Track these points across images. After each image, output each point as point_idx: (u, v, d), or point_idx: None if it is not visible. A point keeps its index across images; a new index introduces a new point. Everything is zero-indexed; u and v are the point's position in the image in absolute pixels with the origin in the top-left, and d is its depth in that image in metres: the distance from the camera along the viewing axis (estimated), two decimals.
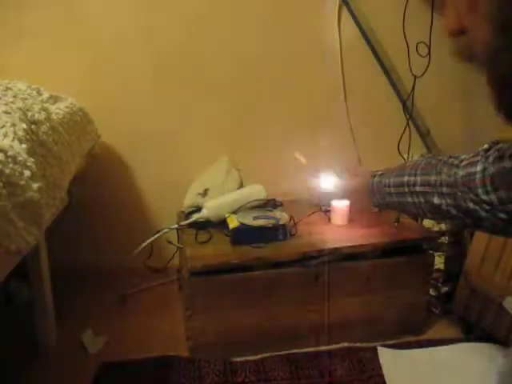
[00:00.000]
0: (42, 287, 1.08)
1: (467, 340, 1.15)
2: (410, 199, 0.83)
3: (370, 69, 1.44)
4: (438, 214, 0.79)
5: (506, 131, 1.15)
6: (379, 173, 0.93)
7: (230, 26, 1.36)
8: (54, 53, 1.32)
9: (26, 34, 1.29)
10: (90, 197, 1.38)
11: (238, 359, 1.07)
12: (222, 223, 1.18)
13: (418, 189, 0.80)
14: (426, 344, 1.13)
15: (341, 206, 1.20)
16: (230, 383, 1.00)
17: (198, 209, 1.26)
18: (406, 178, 0.83)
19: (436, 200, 0.77)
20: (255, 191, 1.26)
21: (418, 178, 0.81)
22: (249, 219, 1.13)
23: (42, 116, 0.88)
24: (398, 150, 1.43)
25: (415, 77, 1.35)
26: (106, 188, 1.45)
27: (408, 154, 1.44)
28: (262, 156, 1.48)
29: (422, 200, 0.80)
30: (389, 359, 1.06)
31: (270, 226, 1.11)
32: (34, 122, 0.83)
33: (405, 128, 1.41)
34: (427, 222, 1.28)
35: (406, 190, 0.83)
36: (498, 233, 0.75)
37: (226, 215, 1.18)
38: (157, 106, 1.39)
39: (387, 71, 1.43)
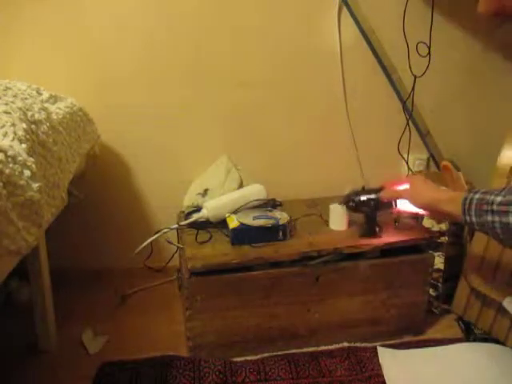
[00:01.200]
0: (42, 287, 1.08)
1: (467, 340, 1.15)
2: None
3: (369, 69, 1.44)
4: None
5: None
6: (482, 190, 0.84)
7: (229, 26, 1.36)
8: (53, 53, 1.32)
9: (26, 34, 1.30)
10: (90, 197, 1.38)
11: (238, 359, 1.07)
12: (222, 223, 1.18)
13: (495, 207, 0.77)
14: (425, 344, 1.13)
15: (340, 210, 1.18)
16: (230, 383, 1.00)
17: (198, 209, 1.26)
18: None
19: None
20: (255, 191, 1.26)
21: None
22: (249, 219, 1.13)
23: (42, 116, 0.88)
24: (398, 150, 1.43)
25: (415, 77, 1.35)
26: (105, 188, 1.45)
27: (408, 154, 1.45)
28: (262, 156, 1.48)
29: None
30: (389, 359, 1.06)
31: (270, 226, 1.11)
32: (34, 122, 0.83)
33: (405, 128, 1.42)
34: (427, 222, 1.28)
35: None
36: None
37: (226, 215, 1.18)
38: (157, 106, 1.39)
39: (387, 71, 1.43)
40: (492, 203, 0.78)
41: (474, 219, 0.82)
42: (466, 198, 0.84)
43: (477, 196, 0.82)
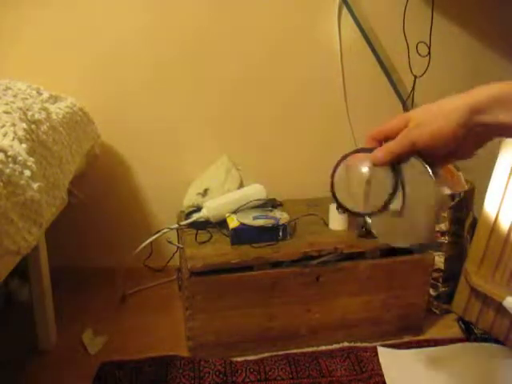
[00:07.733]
0: (42, 287, 1.08)
1: (467, 340, 1.15)
2: None
3: (370, 69, 1.44)
4: None
5: None
6: None
7: (230, 27, 1.36)
8: (53, 53, 1.32)
9: (26, 33, 1.29)
10: (90, 197, 1.38)
11: (238, 359, 1.07)
12: (222, 223, 1.18)
13: None
14: (425, 344, 1.13)
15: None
16: (230, 383, 1.00)
17: (198, 209, 1.26)
18: None
19: None
20: (255, 191, 1.26)
21: None
22: (249, 219, 1.13)
23: (42, 116, 0.88)
24: None
25: (415, 77, 1.35)
26: (105, 188, 1.45)
27: None
28: (262, 156, 1.48)
29: None
30: (389, 359, 1.06)
31: (270, 225, 1.11)
32: (34, 122, 0.83)
33: None
34: None
35: None
36: None
37: (226, 215, 1.18)
38: (157, 106, 1.39)
39: (387, 71, 1.43)
40: None
41: None
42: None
43: None
